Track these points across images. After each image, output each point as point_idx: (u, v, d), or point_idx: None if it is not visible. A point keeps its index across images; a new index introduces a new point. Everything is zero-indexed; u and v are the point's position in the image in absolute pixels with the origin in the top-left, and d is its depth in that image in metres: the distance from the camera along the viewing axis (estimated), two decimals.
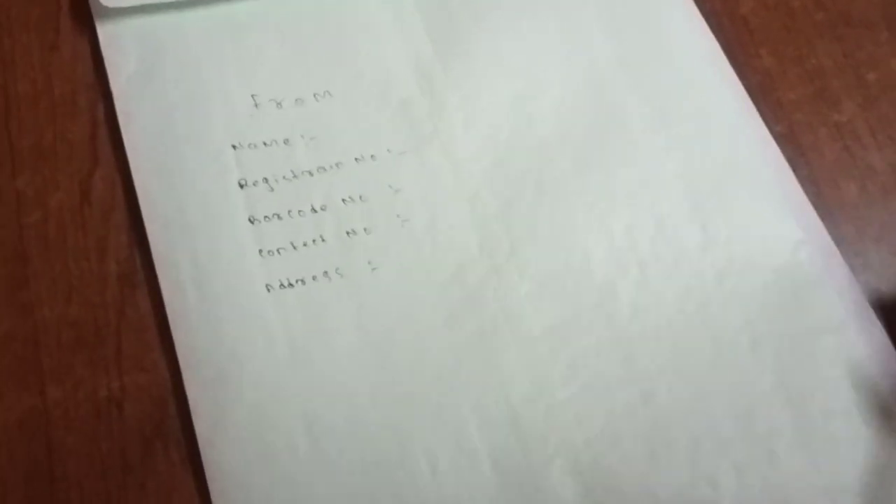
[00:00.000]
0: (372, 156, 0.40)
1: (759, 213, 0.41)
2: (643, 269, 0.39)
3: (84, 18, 0.42)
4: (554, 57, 0.43)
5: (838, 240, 0.41)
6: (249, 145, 0.39)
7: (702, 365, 0.38)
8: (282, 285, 0.37)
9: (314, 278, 0.37)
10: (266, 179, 0.39)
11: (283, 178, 0.39)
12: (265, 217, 0.38)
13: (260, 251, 0.37)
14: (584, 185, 0.41)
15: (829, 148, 0.44)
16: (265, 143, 0.40)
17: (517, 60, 0.43)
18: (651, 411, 0.37)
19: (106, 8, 0.41)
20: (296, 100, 0.41)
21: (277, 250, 0.38)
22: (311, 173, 0.39)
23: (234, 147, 0.39)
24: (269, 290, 0.37)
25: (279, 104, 0.41)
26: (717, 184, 0.41)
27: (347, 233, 0.38)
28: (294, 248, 0.38)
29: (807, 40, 0.46)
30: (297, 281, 0.37)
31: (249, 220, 0.38)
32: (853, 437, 0.36)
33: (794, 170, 0.42)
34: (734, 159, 0.42)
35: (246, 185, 0.39)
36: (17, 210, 0.39)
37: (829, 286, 0.39)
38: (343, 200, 0.39)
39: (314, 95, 0.41)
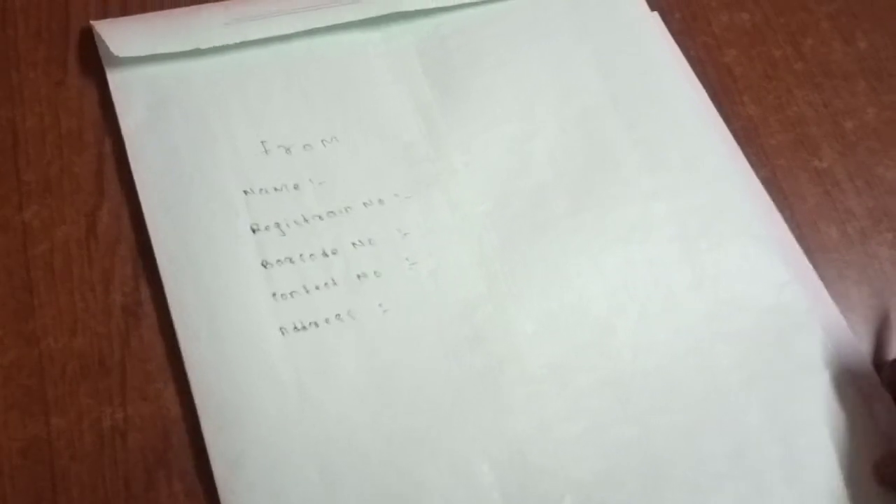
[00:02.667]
0: (380, 200, 0.41)
1: (747, 254, 0.43)
2: (640, 308, 0.41)
3: (91, 56, 0.44)
4: (548, 99, 0.45)
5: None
6: (260, 190, 0.41)
7: (695, 403, 0.39)
8: (295, 328, 0.38)
9: (327, 321, 0.38)
10: (277, 224, 0.40)
11: (294, 222, 0.40)
12: (277, 261, 0.39)
13: (273, 294, 0.38)
14: (578, 225, 0.42)
15: (809, 192, 0.46)
16: (276, 189, 0.41)
17: (512, 103, 0.45)
18: (649, 449, 0.38)
19: (116, 56, 0.42)
20: (304, 145, 0.42)
21: (290, 293, 0.39)
22: (320, 217, 0.40)
23: (245, 192, 0.40)
24: (283, 334, 0.38)
25: (288, 150, 0.42)
26: (705, 225, 0.43)
27: (358, 276, 0.40)
28: (307, 291, 0.39)
29: (787, 89, 0.48)
30: (310, 324, 0.38)
31: (262, 264, 0.39)
32: (841, 472, 0.38)
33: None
34: (722, 202, 0.44)
35: (258, 229, 0.40)
36: (24, 242, 0.40)
37: (816, 325, 0.41)
38: (353, 244, 0.40)
39: (322, 141, 0.42)
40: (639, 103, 0.46)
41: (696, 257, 0.42)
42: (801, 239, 0.44)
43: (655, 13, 0.48)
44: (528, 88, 0.46)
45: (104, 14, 0.45)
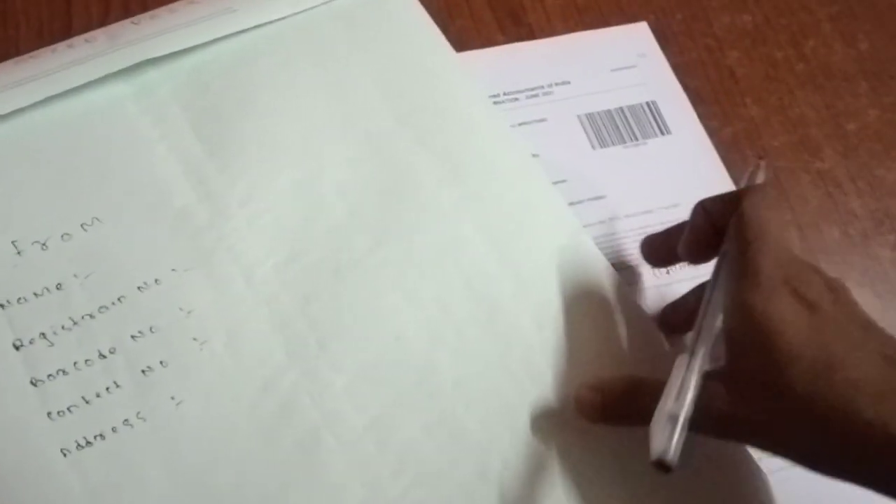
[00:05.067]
0: (156, 280, 0.38)
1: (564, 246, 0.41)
2: (460, 335, 0.39)
3: None
4: (330, 132, 0.42)
5: None
6: (19, 300, 0.37)
7: (532, 423, 0.37)
8: (79, 446, 0.34)
9: (114, 430, 0.35)
10: (43, 334, 0.36)
11: (63, 328, 0.36)
12: (48, 375, 0.35)
13: (49, 414, 0.35)
14: (384, 260, 0.40)
15: (811, 194, 0.46)
16: (36, 294, 0.37)
17: (293, 143, 0.42)
18: (490, 487, 0.36)
19: None
20: (62, 235, 0.38)
21: (68, 409, 0.35)
22: (92, 316, 0.37)
23: (1, 306, 0.36)
24: (65, 455, 0.34)
25: (44, 245, 0.38)
26: (517, 226, 0.41)
27: (143, 371, 0.36)
28: (87, 402, 0.35)
29: (789, 90, 0.48)
30: (95, 437, 0.35)
31: (31, 382, 0.35)
32: None
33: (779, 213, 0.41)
34: (529, 199, 0.42)
35: (22, 345, 0.36)
36: None
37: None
38: (133, 337, 0.37)
39: (81, 226, 0.38)
40: (426, 117, 0.43)
41: (515, 263, 0.40)
42: (803, 240, 0.44)
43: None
44: (307, 124, 0.42)
45: (105, 14, 0.45)
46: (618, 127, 0.46)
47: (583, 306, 0.40)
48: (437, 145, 0.42)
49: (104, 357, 0.36)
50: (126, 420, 0.35)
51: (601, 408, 0.36)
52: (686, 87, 0.43)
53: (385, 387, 0.37)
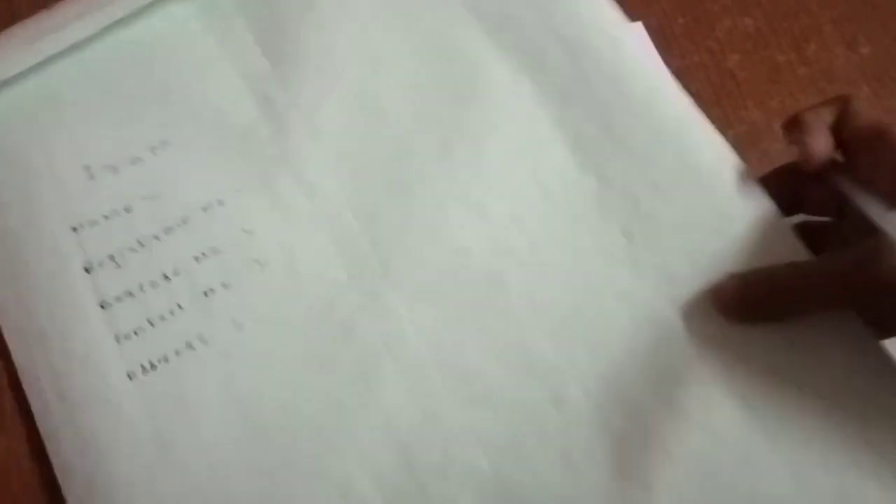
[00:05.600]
0: (220, 201, 0.37)
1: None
2: (533, 246, 0.35)
3: None
4: (394, 33, 0.39)
5: None
6: (90, 223, 0.37)
7: (619, 345, 0.33)
8: (144, 369, 0.34)
9: (177, 353, 0.35)
10: (112, 257, 0.36)
11: (130, 249, 0.36)
12: (116, 298, 0.35)
13: (116, 337, 0.35)
14: (453, 166, 0.37)
15: None
16: (105, 217, 0.37)
17: (356, 51, 0.39)
18: (564, 415, 0.33)
19: None
20: (132, 160, 0.38)
21: (134, 332, 0.35)
22: (157, 238, 0.36)
23: (73, 229, 0.37)
24: (131, 379, 0.34)
25: (115, 169, 0.38)
26: (606, 125, 0.36)
27: (205, 293, 0.35)
28: (152, 325, 0.35)
29: (790, 93, 0.47)
30: (159, 361, 0.34)
31: (101, 305, 0.35)
32: None
33: None
34: (616, 91, 0.37)
35: (92, 268, 0.36)
36: None
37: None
38: (195, 258, 0.36)
39: (151, 150, 0.38)
40: (502, 3, 0.38)
41: (602, 160, 0.36)
42: None
43: None
44: (370, 28, 0.39)
45: None
46: None
47: (685, 210, 0.35)
48: (512, 33, 0.38)
49: (168, 279, 0.36)
50: (188, 343, 0.35)
51: (741, 300, 0.33)
52: (688, 91, 0.39)
53: (449, 307, 0.34)
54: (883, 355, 0.32)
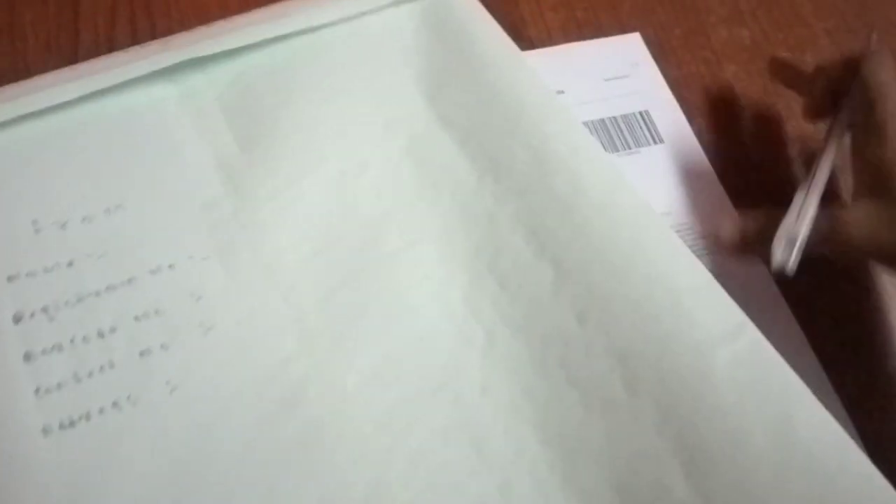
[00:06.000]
0: (170, 265, 0.36)
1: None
2: (491, 334, 0.34)
3: None
4: (371, 132, 0.40)
5: None
6: (27, 274, 0.35)
7: (571, 428, 0.32)
8: (62, 426, 0.31)
9: (101, 411, 0.32)
10: (45, 309, 0.34)
11: (66, 303, 0.34)
12: (43, 351, 0.33)
13: (37, 390, 0.32)
14: (418, 256, 0.36)
15: None
16: (45, 270, 0.35)
17: (332, 142, 0.40)
18: (511, 502, 0.31)
19: None
20: (83, 218, 0.37)
21: (57, 385, 0.32)
22: (97, 294, 0.35)
23: (9, 279, 0.35)
24: (46, 434, 0.31)
25: (63, 225, 0.36)
26: (559, 216, 0.37)
27: (141, 353, 0.33)
28: (77, 380, 0.33)
29: (787, 105, 0.47)
30: (80, 417, 0.32)
31: (25, 356, 0.33)
32: None
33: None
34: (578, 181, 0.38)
35: (22, 318, 0.34)
36: None
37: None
38: (136, 318, 0.34)
39: (105, 211, 0.37)
40: (471, 114, 0.40)
41: (556, 249, 0.36)
42: None
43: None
44: (346, 124, 0.40)
45: (112, 27, 0.45)
46: (611, 135, 0.45)
47: (633, 286, 0.34)
48: (478, 141, 0.39)
49: (102, 336, 0.34)
50: (115, 402, 0.32)
51: (741, 242, 0.38)
52: (684, 101, 0.42)
53: (402, 387, 0.33)
54: None
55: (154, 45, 0.43)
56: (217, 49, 0.41)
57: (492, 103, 0.40)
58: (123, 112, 0.40)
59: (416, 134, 0.40)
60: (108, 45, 0.45)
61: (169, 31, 0.45)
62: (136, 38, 0.45)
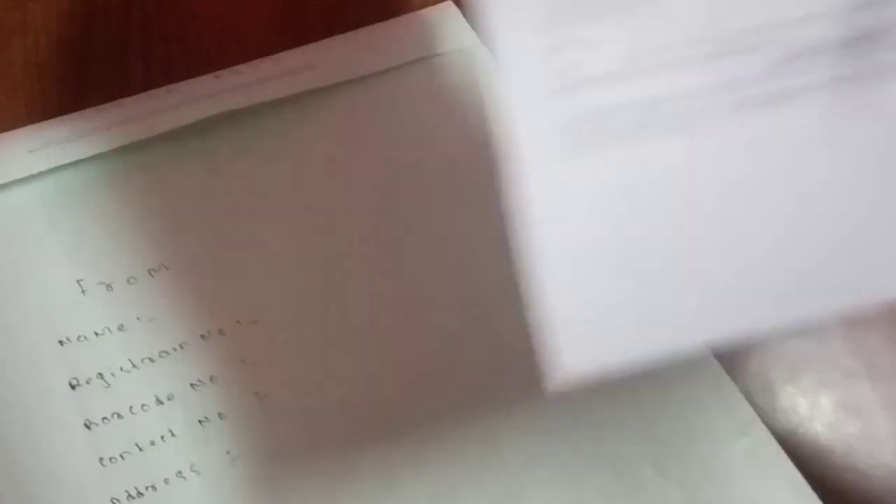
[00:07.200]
0: (220, 330, 0.37)
1: None
2: None
3: None
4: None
5: None
6: (79, 338, 0.36)
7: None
8: (129, 496, 0.33)
9: (166, 482, 0.33)
10: (101, 374, 0.35)
11: (121, 369, 0.35)
12: (103, 419, 0.34)
13: (101, 460, 0.33)
14: None
15: None
16: (97, 333, 0.36)
17: None
18: None
19: None
20: (128, 279, 0.37)
21: (121, 455, 0.33)
22: (152, 360, 0.36)
23: (60, 343, 0.35)
24: None
25: (109, 286, 0.37)
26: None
27: (200, 421, 0.35)
28: (140, 449, 0.34)
29: None
30: (147, 488, 0.33)
31: (85, 425, 0.34)
32: None
33: None
34: None
35: (78, 384, 0.35)
36: None
37: None
38: (192, 385, 0.35)
39: (148, 272, 0.38)
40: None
41: None
42: None
43: None
44: None
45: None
46: None
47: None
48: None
49: (161, 403, 0.35)
50: (179, 472, 0.34)
51: None
52: None
53: None
54: None
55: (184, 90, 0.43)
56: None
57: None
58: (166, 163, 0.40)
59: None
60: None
61: None
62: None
